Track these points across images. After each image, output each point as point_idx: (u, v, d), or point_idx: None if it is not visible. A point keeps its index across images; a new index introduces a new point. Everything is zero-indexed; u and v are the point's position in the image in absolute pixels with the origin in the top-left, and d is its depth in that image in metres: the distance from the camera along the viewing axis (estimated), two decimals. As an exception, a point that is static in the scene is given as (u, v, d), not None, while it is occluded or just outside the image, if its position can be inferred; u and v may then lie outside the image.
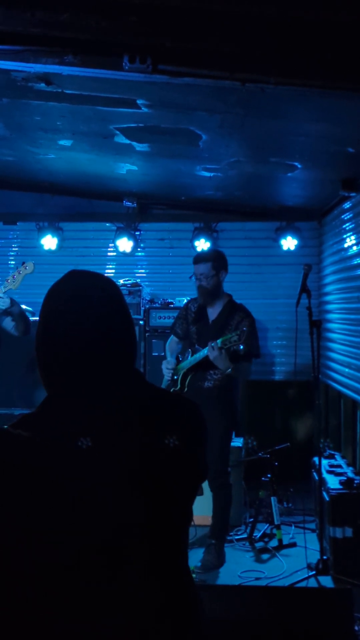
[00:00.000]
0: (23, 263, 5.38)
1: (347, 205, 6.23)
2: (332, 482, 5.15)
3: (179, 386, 5.22)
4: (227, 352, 4.87)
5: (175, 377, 5.28)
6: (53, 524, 1.52)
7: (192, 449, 1.67)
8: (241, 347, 4.81)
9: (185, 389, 5.18)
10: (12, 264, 7.91)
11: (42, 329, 1.70)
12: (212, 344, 4.89)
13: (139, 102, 4.11)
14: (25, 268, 5.33)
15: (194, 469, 1.68)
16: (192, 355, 5.20)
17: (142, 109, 4.24)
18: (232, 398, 5.31)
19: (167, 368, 5.36)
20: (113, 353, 1.68)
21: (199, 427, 1.73)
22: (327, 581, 4.78)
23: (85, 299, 1.68)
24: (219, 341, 4.86)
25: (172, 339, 5.56)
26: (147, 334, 7.06)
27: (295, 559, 5.28)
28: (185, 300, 5.73)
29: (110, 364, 1.66)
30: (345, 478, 5.16)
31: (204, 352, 5.00)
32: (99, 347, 1.65)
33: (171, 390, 5.17)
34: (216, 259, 5.19)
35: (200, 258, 5.25)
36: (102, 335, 1.66)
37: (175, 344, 5.55)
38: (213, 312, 5.26)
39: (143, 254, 7.85)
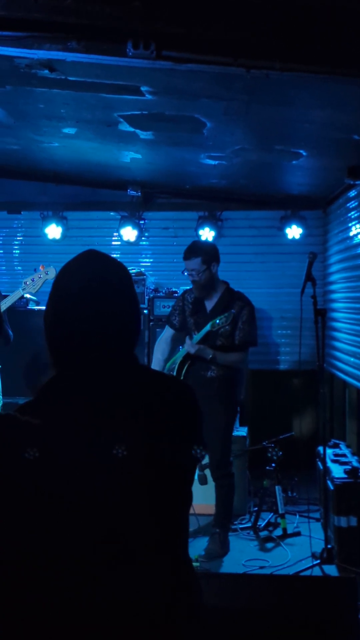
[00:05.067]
0: (42, 267, 5.32)
1: (352, 193, 6.19)
2: (337, 471, 5.15)
3: (175, 375, 5.20)
4: (206, 344, 5.01)
5: (174, 367, 5.25)
6: (46, 516, 1.52)
7: (184, 431, 1.66)
8: (227, 327, 4.93)
9: (182, 378, 5.15)
10: (17, 253, 7.90)
11: (51, 310, 1.70)
12: (188, 341, 5.03)
13: (143, 89, 4.08)
14: (47, 273, 5.31)
15: (187, 451, 1.67)
16: None
17: (146, 96, 4.21)
18: (235, 388, 5.30)
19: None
20: (116, 338, 1.68)
21: (192, 410, 1.72)
22: (331, 570, 4.78)
23: (94, 284, 1.68)
24: (199, 334, 5.00)
25: (167, 331, 5.50)
26: (151, 323, 7.05)
27: (299, 548, 5.29)
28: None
29: (112, 349, 1.66)
30: (349, 467, 5.15)
31: (184, 351, 5.11)
32: (102, 332, 1.65)
33: None
34: (205, 253, 5.11)
35: (188, 254, 5.15)
36: (105, 321, 1.66)
37: (165, 344, 5.48)
38: (210, 302, 5.25)
39: (147, 243, 7.83)
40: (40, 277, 5.30)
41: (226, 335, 5.08)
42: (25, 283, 5.33)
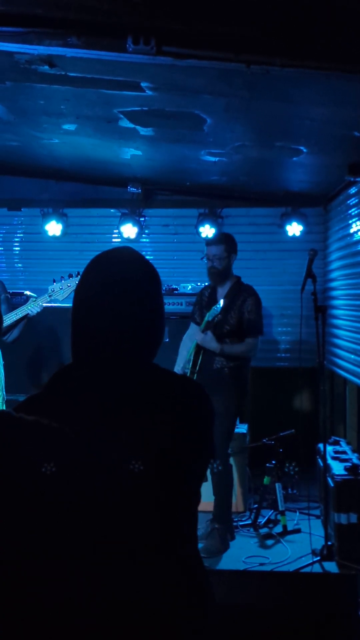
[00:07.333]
0: (70, 275, 5.20)
1: (353, 190, 6.19)
2: (337, 468, 5.15)
3: (190, 365, 5.29)
4: (212, 332, 5.20)
5: (190, 358, 5.35)
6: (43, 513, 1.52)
7: (188, 431, 1.64)
8: (220, 316, 5.18)
9: (197, 368, 5.25)
10: (17, 250, 7.89)
11: (76, 304, 1.71)
12: (197, 332, 5.27)
13: (143, 84, 4.07)
14: (77, 283, 5.22)
15: (193, 452, 1.65)
16: None
17: (147, 92, 4.20)
18: (242, 382, 5.37)
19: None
20: (134, 339, 1.67)
21: (201, 410, 1.71)
22: (331, 567, 4.78)
23: (118, 283, 1.67)
24: (202, 324, 5.23)
25: (191, 328, 5.68)
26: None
27: (299, 545, 5.28)
28: (190, 287, 5.88)
29: (128, 349, 1.66)
30: (350, 464, 5.15)
31: (194, 342, 5.28)
32: (120, 331, 1.65)
33: (188, 372, 5.28)
34: (228, 241, 5.48)
35: (213, 240, 5.64)
36: (125, 321, 1.66)
37: (189, 341, 5.60)
38: (222, 294, 5.46)
39: (147, 240, 7.82)
40: (69, 287, 5.16)
41: (231, 323, 5.29)
42: (52, 290, 5.19)
